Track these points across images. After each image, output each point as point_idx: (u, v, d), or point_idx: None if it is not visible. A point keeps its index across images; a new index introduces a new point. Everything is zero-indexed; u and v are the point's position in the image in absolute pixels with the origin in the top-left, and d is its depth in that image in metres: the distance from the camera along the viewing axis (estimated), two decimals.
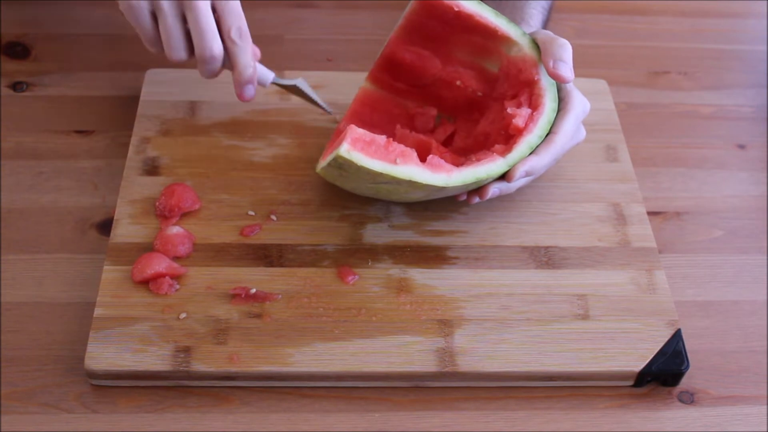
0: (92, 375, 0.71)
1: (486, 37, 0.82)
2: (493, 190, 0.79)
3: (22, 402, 0.71)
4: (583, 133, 0.84)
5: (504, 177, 0.78)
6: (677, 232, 0.87)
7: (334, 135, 0.83)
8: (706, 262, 0.85)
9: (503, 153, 0.77)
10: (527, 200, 0.86)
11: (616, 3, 1.15)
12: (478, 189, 0.79)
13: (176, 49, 0.78)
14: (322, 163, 0.77)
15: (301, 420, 0.71)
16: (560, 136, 0.78)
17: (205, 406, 0.72)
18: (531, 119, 0.78)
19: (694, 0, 1.16)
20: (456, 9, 0.81)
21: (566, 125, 0.79)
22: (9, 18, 1.03)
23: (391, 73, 0.87)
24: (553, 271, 0.80)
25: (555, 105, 0.79)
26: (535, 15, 0.89)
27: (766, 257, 0.86)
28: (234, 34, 0.78)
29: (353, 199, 0.84)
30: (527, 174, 0.78)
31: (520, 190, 0.85)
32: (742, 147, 0.97)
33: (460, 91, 0.86)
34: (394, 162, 0.73)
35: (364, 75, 0.88)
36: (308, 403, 0.72)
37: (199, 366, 0.71)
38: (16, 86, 0.96)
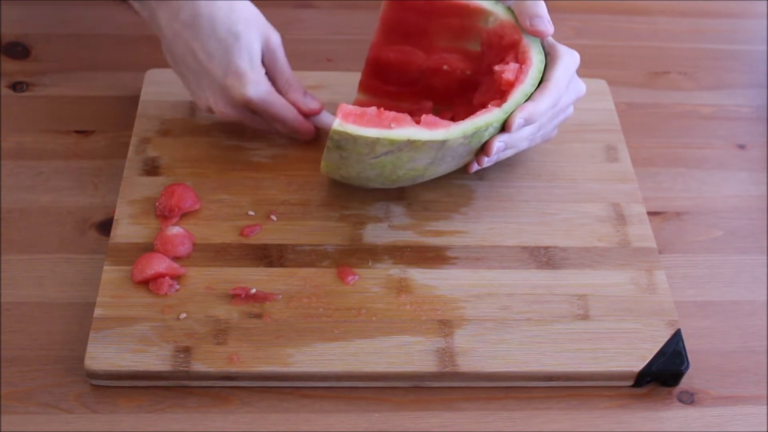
0: (92, 375, 0.71)
1: (461, 16, 0.83)
2: (498, 145, 0.77)
3: (22, 402, 0.71)
4: (582, 87, 0.83)
5: (505, 129, 0.77)
6: (677, 232, 0.87)
7: None
8: (706, 262, 0.85)
9: (499, 105, 0.76)
10: (527, 200, 0.86)
11: (616, 3, 1.15)
12: (483, 148, 0.78)
13: (270, 132, 0.88)
14: (323, 155, 0.77)
15: (301, 420, 0.71)
16: (553, 83, 0.78)
17: (205, 406, 0.72)
18: (521, 71, 0.78)
19: (694, 0, 1.16)
20: None
21: (557, 73, 0.78)
22: (9, 18, 1.03)
23: (380, 77, 0.87)
24: (552, 272, 0.80)
25: (542, 57, 0.79)
26: None
27: (766, 257, 0.86)
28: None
29: (353, 199, 0.84)
30: (527, 121, 0.76)
31: (519, 190, 0.86)
32: (742, 147, 0.97)
33: (449, 75, 0.86)
34: (389, 127, 0.73)
35: None
36: (308, 403, 0.72)
37: (199, 366, 0.71)
38: (16, 86, 0.96)
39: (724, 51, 1.09)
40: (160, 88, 0.92)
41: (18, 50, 1.00)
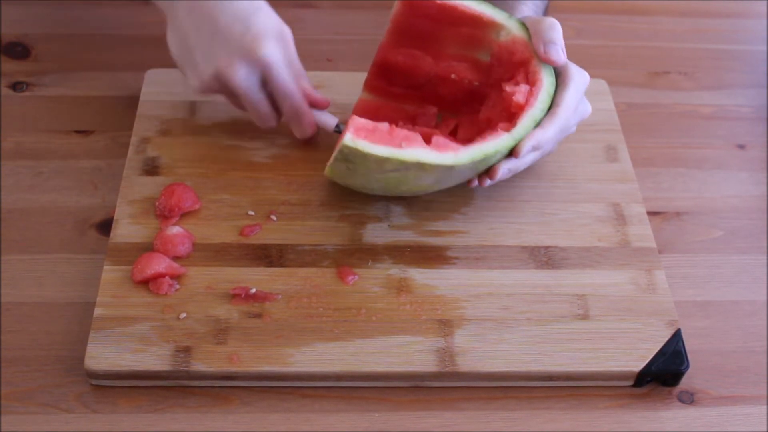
0: (92, 375, 0.71)
1: (473, 27, 0.83)
2: (503, 170, 0.78)
3: (22, 402, 0.71)
4: (588, 108, 0.84)
5: (512, 154, 0.77)
6: (677, 232, 0.87)
7: (339, 140, 0.83)
8: (706, 262, 0.85)
9: (508, 129, 0.77)
10: (527, 200, 0.86)
11: (616, 3, 1.15)
12: (487, 171, 0.78)
13: (264, 113, 0.84)
14: (329, 162, 0.77)
15: (301, 420, 0.71)
16: (563, 108, 0.78)
17: (205, 406, 0.72)
18: (531, 94, 0.78)
19: (694, 0, 1.16)
20: (439, 2, 0.82)
21: (567, 97, 0.78)
22: (9, 18, 1.03)
23: (386, 78, 0.87)
24: (553, 271, 0.80)
25: (553, 79, 0.79)
26: (525, 12, 0.89)
27: (766, 257, 0.86)
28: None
29: (353, 199, 0.84)
30: (534, 148, 0.77)
31: (520, 190, 0.85)
32: (742, 147, 0.97)
33: (456, 85, 0.86)
34: (400, 146, 0.73)
35: (364, 75, 0.88)
36: (308, 403, 0.72)
37: (199, 366, 0.71)
38: (16, 86, 0.96)
39: (724, 51, 1.09)
40: (160, 88, 0.92)
41: (18, 50, 1.00)
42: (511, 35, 0.81)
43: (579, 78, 0.80)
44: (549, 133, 0.77)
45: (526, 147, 0.76)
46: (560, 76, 0.80)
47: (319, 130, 0.87)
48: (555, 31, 0.79)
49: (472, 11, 0.82)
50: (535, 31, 0.80)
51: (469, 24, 0.83)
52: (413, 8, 0.83)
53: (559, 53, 0.79)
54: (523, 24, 0.81)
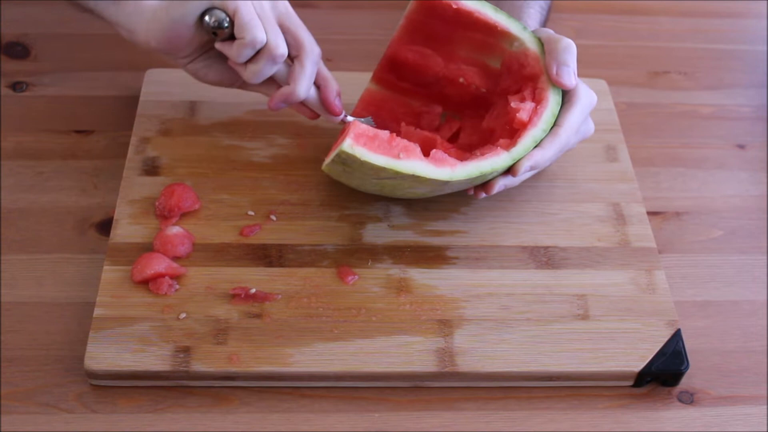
0: (92, 375, 0.71)
1: (486, 34, 0.83)
2: (499, 186, 0.78)
3: (22, 402, 0.71)
4: (591, 128, 0.84)
5: (509, 171, 0.77)
6: (677, 232, 0.87)
7: (340, 133, 0.83)
8: (706, 262, 0.85)
9: (508, 147, 0.77)
10: (527, 200, 0.86)
11: (616, 3, 1.15)
12: (483, 184, 0.79)
13: (282, 42, 0.77)
14: (327, 160, 0.77)
15: (301, 420, 0.71)
16: (565, 129, 0.78)
17: (205, 406, 0.72)
18: (535, 113, 0.78)
19: (694, 0, 1.16)
20: (455, 6, 0.82)
21: (571, 118, 0.78)
22: (9, 18, 1.03)
23: (395, 73, 0.87)
24: (552, 271, 0.80)
25: (559, 98, 0.79)
26: (533, 15, 0.89)
27: (766, 257, 0.86)
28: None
29: (353, 199, 0.84)
30: (533, 168, 0.77)
31: (520, 190, 0.85)
32: (742, 147, 0.97)
33: (463, 88, 0.86)
34: (398, 157, 0.73)
35: (365, 75, 0.88)
36: (308, 403, 0.72)
37: (198, 366, 0.71)
38: (16, 86, 0.96)
39: (724, 51, 1.09)
40: (160, 88, 0.92)
41: (18, 50, 1.00)
42: (523, 47, 0.81)
43: (586, 99, 0.80)
44: (548, 154, 0.77)
45: (524, 167, 0.76)
46: (567, 94, 0.79)
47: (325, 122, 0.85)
48: (570, 53, 0.78)
49: (487, 19, 0.82)
50: (550, 51, 0.79)
51: (483, 31, 0.83)
52: (428, 8, 0.83)
53: (570, 77, 0.78)
54: (538, 39, 0.81)
